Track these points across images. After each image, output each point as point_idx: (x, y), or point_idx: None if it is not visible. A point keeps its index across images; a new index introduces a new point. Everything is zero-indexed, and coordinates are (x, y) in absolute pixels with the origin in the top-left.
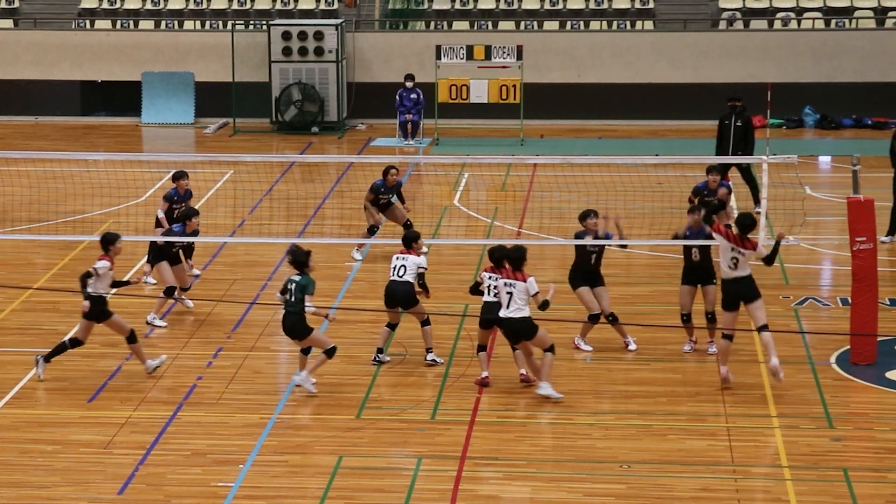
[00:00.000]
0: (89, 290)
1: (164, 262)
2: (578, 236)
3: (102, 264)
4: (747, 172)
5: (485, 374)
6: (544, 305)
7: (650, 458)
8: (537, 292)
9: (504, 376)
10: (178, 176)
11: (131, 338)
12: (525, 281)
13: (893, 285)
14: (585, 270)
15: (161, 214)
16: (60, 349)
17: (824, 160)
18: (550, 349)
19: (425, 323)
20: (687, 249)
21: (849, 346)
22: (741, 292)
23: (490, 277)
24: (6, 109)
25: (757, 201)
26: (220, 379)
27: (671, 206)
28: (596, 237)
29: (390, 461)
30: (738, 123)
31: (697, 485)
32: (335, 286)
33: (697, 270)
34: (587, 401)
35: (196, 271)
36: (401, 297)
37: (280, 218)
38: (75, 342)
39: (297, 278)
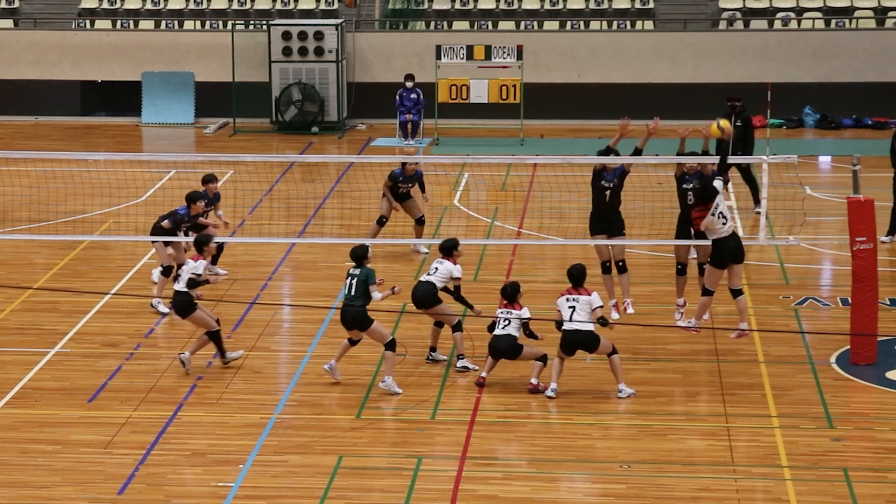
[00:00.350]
0: (176, 286)
1: (161, 242)
2: (596, 175)
3: (202, 263)
4: (747, 172)
5: (483, 374)
6: (603, 321)
7: (650, 458)
8: (601, 306)
9: (504, 376)
10: (208, 179)
11: (214, 335)
12: (589, 294)
13: (893, 285)
14: (602, 212)
15: (201, 219)
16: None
17: (824, 160)
18: (614, 351)
19: (455, 328)
20: (683, 193)
21: (849, 346)
22: (736, 247)
23: (503, 312)
24: (6, 109)
25: (757, 201)
26: (220, 379)
27: (671, 206)
28: (612, 172)
29: (390, 461)
30: (738, 123)
31: (697, 485)
32: (335, 286)
33: (691, 223)
34: (587, 401)
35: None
36: (419, 296)
37: (280, 218)
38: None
39: (357, 271)
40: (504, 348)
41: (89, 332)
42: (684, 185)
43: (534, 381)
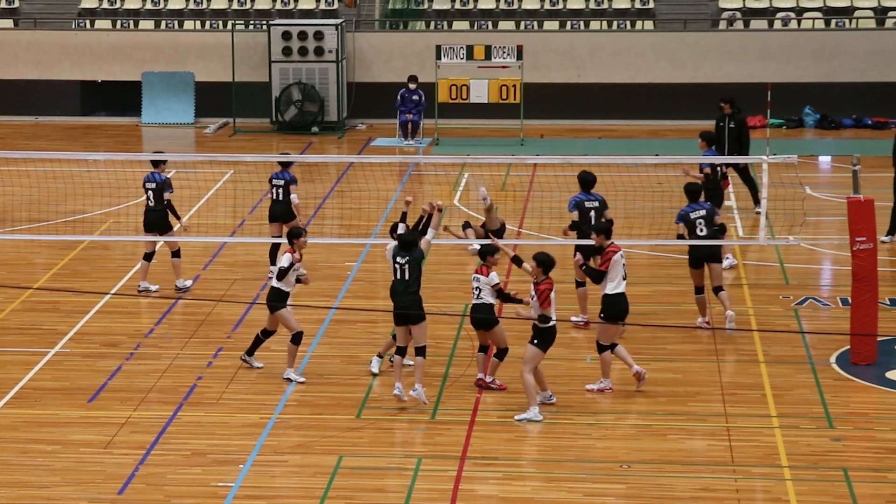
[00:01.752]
0: (272, 283)
1: (151, 233)
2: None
3: (287, 256)
4: (745, 173)
5: (480, 375)
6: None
7: (650, 458)
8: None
9: (503, 377)
10: (288, 164)
11: (296, 338)
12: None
13: (893, 285)
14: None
15: (297, 200)
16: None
17: (824, 160)
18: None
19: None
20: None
21: (849, 346)
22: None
23: (477, 280)
24: (6, 109)
25: (757, 201)
26: (220, 379)
27: (671, 207)
28: None
29: (390, 461)
30: (732, 125)
31: (697, 485)
32: (335, 286)
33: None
34: (587, 401)
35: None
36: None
37: None
38: (267, 333)
39: (408, 257)
40: (479, 319)
41: (89, 332)
42: None
43: (481, 375)
